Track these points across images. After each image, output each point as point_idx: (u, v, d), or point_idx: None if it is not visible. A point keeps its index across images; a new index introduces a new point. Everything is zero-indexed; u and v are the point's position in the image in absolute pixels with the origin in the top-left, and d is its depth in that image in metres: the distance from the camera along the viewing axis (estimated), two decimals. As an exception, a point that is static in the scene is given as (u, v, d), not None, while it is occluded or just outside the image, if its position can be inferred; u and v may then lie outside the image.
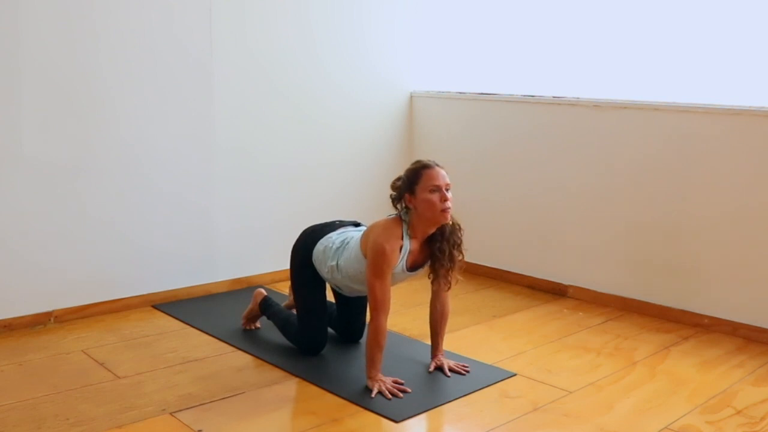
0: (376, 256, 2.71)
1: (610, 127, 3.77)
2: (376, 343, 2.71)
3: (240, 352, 3.14)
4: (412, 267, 2.85)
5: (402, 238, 2.75)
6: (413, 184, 2.73)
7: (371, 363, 2.74)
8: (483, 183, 4.37)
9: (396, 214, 2.81)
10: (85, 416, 2.50)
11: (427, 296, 4.06)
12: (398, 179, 2.80)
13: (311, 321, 3.08)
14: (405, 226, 2.77)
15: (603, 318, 3.66)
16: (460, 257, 2.85)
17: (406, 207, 2.77)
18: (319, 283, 3.09)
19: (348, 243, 2.94)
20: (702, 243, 3.50)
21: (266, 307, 3.31)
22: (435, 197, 2.69)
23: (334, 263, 2.94)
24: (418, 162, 2.81)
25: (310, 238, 3.11)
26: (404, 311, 3.61)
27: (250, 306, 3.39)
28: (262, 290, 3.41)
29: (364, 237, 2.84)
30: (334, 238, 3.02)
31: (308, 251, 3.06)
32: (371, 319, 2.73)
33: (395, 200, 2.80)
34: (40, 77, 3.27)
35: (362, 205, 4.50)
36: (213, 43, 3.77)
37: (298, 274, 3.12)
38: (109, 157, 3.51)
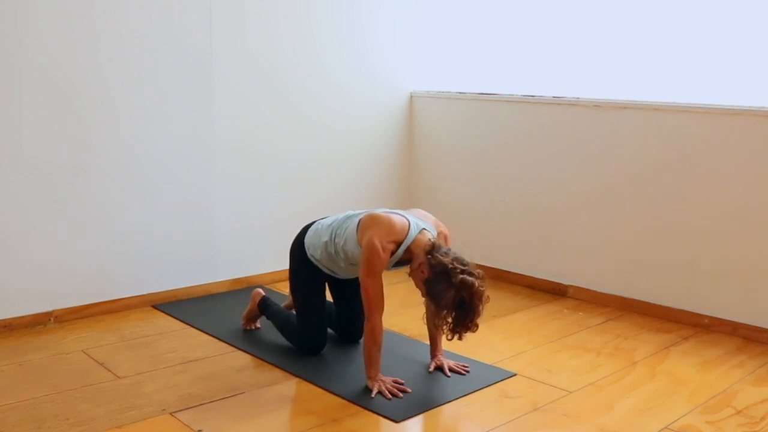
0: (370, 255, 2.68)
1: (610, 127, 3.77)
2: (373, 342, 2.71)
3: (240, 352, 3.14)
4: (398, 264, 2.81)
5: (398, 247, 2.71)
6: (436, 293, 2.57)
7: (370, 362, 2.74)
8: (483, 183, 4.37)
9: (409, 222, 2.74)
10: (85, 416, 2.50)
11: (427, 296, 4.06)
12: (449, 270, 2.54)
13: (311, 321, 3.08)
14: (405, 244, 2.71)
15: (603, 318, 3.66)
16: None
17: (426, 265, 2.61)
18: (318, 282, 3.09)
19: (342, 223, 2.91)
20: (702, 243, 3.50)
21: (265, 307, 3.31)
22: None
23: (327, 238, 2.92)
24: (466, 313, 2.55)
25: (301, 232, 3.12)
26: (403, 311, 3.60)
27: (249, 306, 3.39)
28: (260, 290, 3.41)
29: (363, 228, 2.77)
30: (322, 221, 3.04)
31: (302, 244, 3.06)
32: (367, 318, 2.72)
33: (433, 257, 2.59)
34: (40, 77, 3.27)
35: (362, 206, 4.49)
36: (213, 43, 3.77)
37: (297, 273, 3.12)
38: (109, 157, 3.51)
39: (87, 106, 3.42)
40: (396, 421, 2.52)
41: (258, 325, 3.41)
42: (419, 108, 4.68)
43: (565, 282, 4.03)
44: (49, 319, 3.42)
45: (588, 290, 3.93)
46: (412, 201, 4.74)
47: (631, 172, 3.71)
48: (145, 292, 3.70)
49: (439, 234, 2.82)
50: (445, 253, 2.61)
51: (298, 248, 3.10)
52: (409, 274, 2.75)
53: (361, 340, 3.13)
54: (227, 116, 3.88)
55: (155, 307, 3.69)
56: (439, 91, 4.61)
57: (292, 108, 4.13)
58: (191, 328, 3.41)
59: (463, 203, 4.48)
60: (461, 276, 2.53)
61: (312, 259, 3.02)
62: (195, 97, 3.75)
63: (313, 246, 3.01)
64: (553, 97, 4.02)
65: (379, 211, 2.87)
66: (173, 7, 3.63)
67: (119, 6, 3.45)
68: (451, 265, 2.54)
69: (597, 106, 3.82)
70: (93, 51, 3.40)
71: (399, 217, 2.77)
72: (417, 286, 2.72)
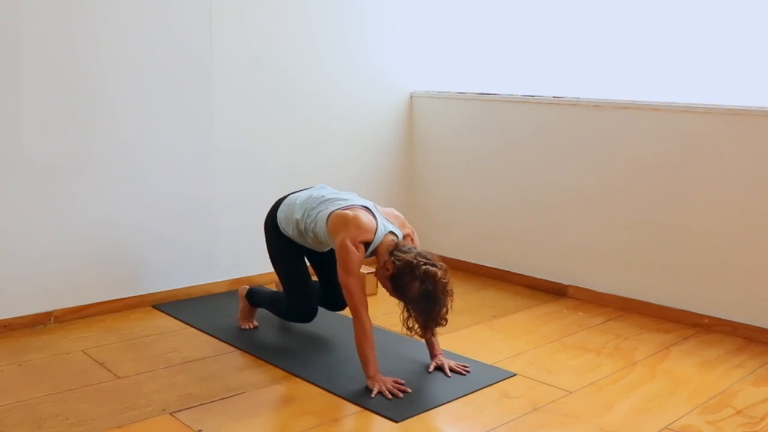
0: (346, 256, 2.71)
1: (610, 127, 3.77)
2: (365, 340, 2.73)
3: (240, 352, 3.14)
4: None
5: (367, 247, 2.77)
6: (401, 287, 2.65)
7: (367, 361, 2.75)
8: (483, 183, 4.37)
9: (382, 227, 2.80)
10: (85, 416, 2.50)
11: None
12: (413, 264, 2.63)
13: (298, 289, 3.13)
14: (373, 246, 2.76)
15: (603, 318, 3.66)
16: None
17: (390, 263, 2.68)
18: (297, 252, 3.14)
19: (316, 206, 2.95)
20: (702, 243, 3.50)
21: (252, 295, 3.37)
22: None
23: (299, 216, 2.99)
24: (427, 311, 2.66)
25: (274, 206, 3.16)
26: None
27: (240, 305, 3.42)
28: (245, 285, 3.48)
29: (333, 227, 2.80)
30: (296, 196, 3.10)
31: (275, 218, 3.11)
32: (354, 317, 2.73)
33: (396, 256, 2.68)
34: (40, 77, 3.27)
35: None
36: (213, 43, 3.77)
37: (275, 247, 3.16)
38: (109, 157, 3.51)
39: (87, 106, 3.42)
40: (396, 421, 2.52)
41: (256, 323, 3.42)
42: (419, 108, 4.68)
43: (565, 282, 4.04)
44: (49, 319, 3.42)
45: (588, 290, 3.93)
46: (412, 201, 4.74)
47: (631, 172, 3.71)
48: (145, 292, 3.70)
49: (405, 236, 2.90)
50: (408, 249, 2.70)
51: (270, 222, 3.15)
52: (375, 274, 2.82)
53: (348, 318, 3.09)
54: (227, 116, 3.88)
55: (155, 307, 3.69)
56: (439, 91, 4.61)
57: (292, 108, 4.13)
58: (191, 328, 3.41)
59: (463, 203, 4.48)
60: (424, 267, 2.61)
61: (284, 233, 3.08)
62: (195, 98, 3.75)
63: (285, 220, 3.06)
64: (553, 97, 4.02)
65: (349, 204, 2.88)
66: (173, 7, 3.63)
67: (119, 6, 3.45)
68: (414, 260, 2.63)
69: (597, 106, 3.82)
70: (93, 51, 3.40)
71: (366, 215, 2.80)
72: (383, 285, 2.79)
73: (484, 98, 4.33)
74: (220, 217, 3.92)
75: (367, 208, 2.86)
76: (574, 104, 3.92)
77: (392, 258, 2.67)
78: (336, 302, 3.26)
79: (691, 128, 3.49)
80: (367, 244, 2.76)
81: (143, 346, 3.19)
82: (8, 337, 3.24)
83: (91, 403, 2.60)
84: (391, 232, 2.82)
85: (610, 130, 3.78)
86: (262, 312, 3.43)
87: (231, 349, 3.18)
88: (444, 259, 4.54)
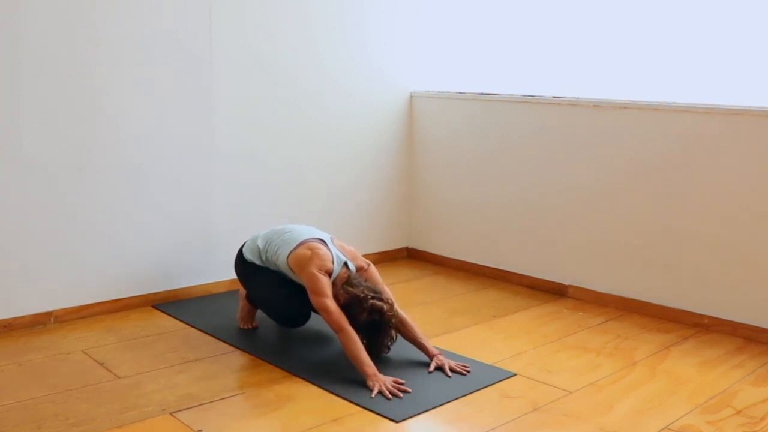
0: (315, 283, 2.93)
1: (610, 127, 3.77)
2: (353, 343, 2.82)
3: (240, 352, 3.14)
4: None
5: (330, 275, 2.99)
6: (351, 316, 2.89)
7: (362, 363, 2.80)
8: (483, 183, 4.37)
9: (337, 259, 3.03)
10: (85, 416, 2.50)
11: (428, 296, 4.06)
12: (361, 297, 2.90)
13: (284, 298, 3.18)
14: (333, 276, 2.98)
15: (603, 318, 3.66)
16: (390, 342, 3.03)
17: (342, 295, 2.94)
18: (266, 269, 3.25)
19: (278, 238, 3.19)
20: (702, 243, 3.50)
21: (252, 298, 3.37)
22: None
23: (261, 247, 3.23)
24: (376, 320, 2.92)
25: (239, 250, 3.38)
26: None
27: (240, 305, 3.43)
28: None
29: (296, 266, 3.05)
30: (258, 232, 3.36)
31: (240, 254, 3.34)
32: (338, 331, 2.88)
33: (346, 290, 2.95)
34: (40, 77, 3.27)
35: (362, 207, 4.50)
36: (213, 43, 3.77)
37: (243, 273, 3.32)
38: (109, 157, 3.51)
39: (87, 106, 3.42)
40: (396, 421, 2.52)
41: (255, 324, 3.42)
42: (419, 108, 4.68)
43: (565, 282, 4.04)
44: (49, 319, 3.42)
45: (588, 290, 3.93)
46: (412, 201, 4.74)
47: (631, 172, 3.71)
48: (145, 292, 3.70)
49: (359, 268, 3.10)
50: (358, 283, 2.96)
51: (238, 259, 3.36)
52: None
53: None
54: (227, 117, 3.88)
55: (155, 307, 3.69)
56: (439, 91, 4.61)
57: (292, 109, 4.13)
58: (191, 328, 3.41)
59: (463, 203, 4.48)
60: (371, 301, 2.89)
61: (250, 261, 3.29)
62: (195, 98, 3.75)
63: (251, 252, 3.30)
64: (553, 97, 4.02)
65: (304, 239, 3.12)
66: (173, 7, 3.63)
67: (119, 6, 3.45)
68: (362, 294, 2.90)
69: (597, 106, 3.82)
70: (93, 51, 3.40)
71: (321, 247, 3.05)
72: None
73: (484, 98, 4.33)
74: (220, 217, 3.92)
75: (322, 241, 3.11)
76: (574, 104, 3.92)
77: (343, 291, 2.94)
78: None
79: (691, 128, 3.49)
80: (329, 273, 2.99)
81: (143, 346, 3.19)
82: (8, 337, 3.24)
83: (91, 403, 2.60)
84: (345, 264, 3.05)
85: (610, 130, 3.78)
86: (262, 312, 3.43)
87: (231, 349, 3.18)
88: (444, 259, 4.58)
